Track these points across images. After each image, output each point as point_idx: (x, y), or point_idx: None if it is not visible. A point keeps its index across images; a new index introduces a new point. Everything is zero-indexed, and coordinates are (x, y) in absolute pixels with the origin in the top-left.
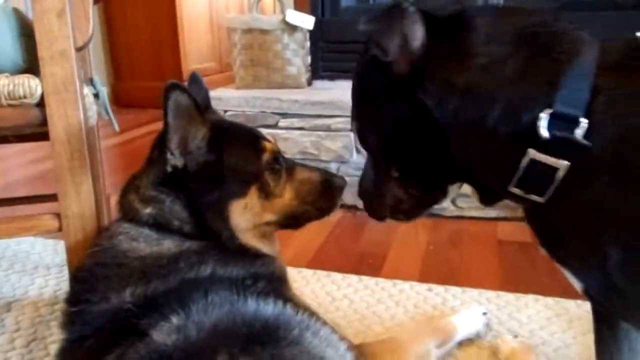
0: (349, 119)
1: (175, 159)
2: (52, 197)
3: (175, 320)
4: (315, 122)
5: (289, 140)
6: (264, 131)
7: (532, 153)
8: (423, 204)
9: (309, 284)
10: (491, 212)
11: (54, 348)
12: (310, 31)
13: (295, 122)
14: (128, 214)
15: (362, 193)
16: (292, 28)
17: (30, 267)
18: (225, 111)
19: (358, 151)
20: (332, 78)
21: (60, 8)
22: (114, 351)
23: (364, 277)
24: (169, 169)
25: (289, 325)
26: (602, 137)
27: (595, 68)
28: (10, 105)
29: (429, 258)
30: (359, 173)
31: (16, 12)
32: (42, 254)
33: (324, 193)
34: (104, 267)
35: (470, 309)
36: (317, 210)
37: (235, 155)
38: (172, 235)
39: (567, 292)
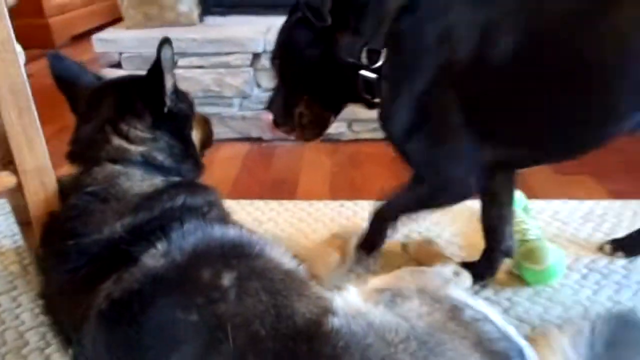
0: (247, 55)
1: (169, 103)
2: None
3: (160, 246)
4: (214, 59)
5: (191, 80)
6: None
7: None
8: (322, 120)
9: (235, 213)
10: (381, 134)
11: (3, 300)
12: None
13: (195, 60)
14: (113, 157)
15: (274, 111)
16: None
17: None
18: (121, 53)
19: (259, 86)
20: (223, 14)
21: None
22: (111, 277)
23: (283, 201)
24: (166, 110)
25: (250, 243)
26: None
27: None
28: None
29: (335, 178)
30: (260, 106)
31: None
32: None
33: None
34: (103, 202)
35: None
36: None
37: (185, 101)
38: (158, 172)
39: None
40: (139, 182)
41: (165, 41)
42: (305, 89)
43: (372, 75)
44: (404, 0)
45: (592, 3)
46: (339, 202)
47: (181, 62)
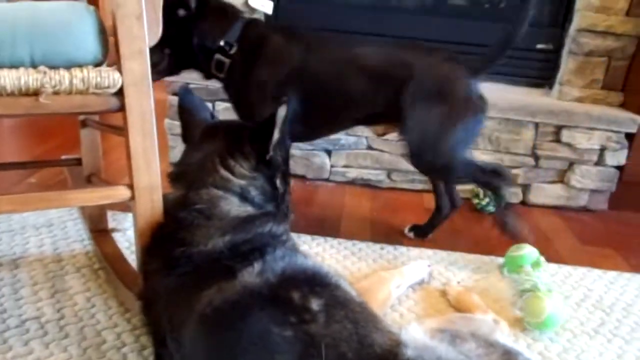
0: None
1: (272, 153)
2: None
3: (257, 266)
4: None
5: None
6: (227, 105)
7: (217, 56)
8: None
9: None
10: (418, 185)
11: (79, 299)
12: (267, 15)
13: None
14: (217, 184)
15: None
16: (252, 10)
17: (16, 227)
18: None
19: None
20: None
21: (139, 12)
22: (213, 286)
23: (328, 238)
24: (267, 157)
25: (327, 274)
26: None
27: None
28: (94, 94)
29: (374, 222)
30: (308, 148)
31: (96, 12)
32: (24, 215)
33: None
34: (208, 219)
35: (417, 262)
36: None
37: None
38: (249, 204)
39: (481, 249)
40: (236, 207)
41: (285, 101)
42: (170, 47)
43: (225, 59)
44: (251, 18)
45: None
46: (379, 245)
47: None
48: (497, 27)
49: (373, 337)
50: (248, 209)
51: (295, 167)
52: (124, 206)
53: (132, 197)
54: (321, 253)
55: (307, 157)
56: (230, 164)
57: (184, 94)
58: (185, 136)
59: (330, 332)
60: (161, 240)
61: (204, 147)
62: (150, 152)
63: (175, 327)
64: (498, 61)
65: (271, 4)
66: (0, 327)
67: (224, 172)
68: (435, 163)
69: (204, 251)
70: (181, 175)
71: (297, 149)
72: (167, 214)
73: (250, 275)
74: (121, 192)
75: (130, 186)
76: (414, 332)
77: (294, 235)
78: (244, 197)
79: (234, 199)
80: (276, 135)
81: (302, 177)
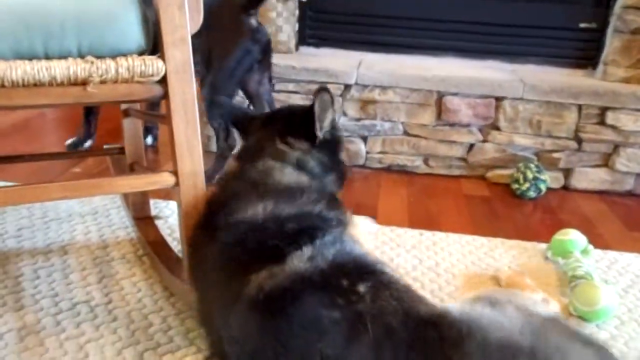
0: (339, 86)
1: (321, 136)
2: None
3: (306, 250)
4: (309, 87)
5: (285, 103)
6: None
7: None
8: None
9: None
10: (455, 171)
11: (125, 284)
12: (300, 1)
13: (290, 86)
14: (274, 156)
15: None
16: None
17: (63, 215)
18: None
19: (345, 115)
20: (317, 45)
21: (181, 2)
22: (261, 270)
23: None
24: (317, 142)
25: (374, 261)
26: None
27: None
28: (138, 82)
29: (412, 208)
30: (346, 134)
31: (139, 1)
32: (69, 203)
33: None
34: (253, 187)
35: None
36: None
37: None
38: (305, 173)
39: (522, 236)
40: (289, 176)
41: (320, 90)
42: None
43: None
44: None
45: None
46: (418, 231)
47: (278, 86)
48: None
49: (418, 308)
50: (302, 178)
51: None
52: (166, 194)
53: (177, 183)
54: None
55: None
56: (288, 140)
57: (225, 107)
58: (244, 134)
59: (376, 308)
60: (209, 211)
61: (263, 131)
62: (192, 139)
63: (225, 306)
64: None
65: None
66: (53, 310)
67: (281, 146)
68: None
69: (245, 220)
70: (242, 153)
71: None
72: (219, 186)
73: (300, 260)
74: (166, 178)
75: (175, 172)
76: (455, 304)
77: None
78: (299, 166)
79: (288, 169)
80: (327, 118)
81: None
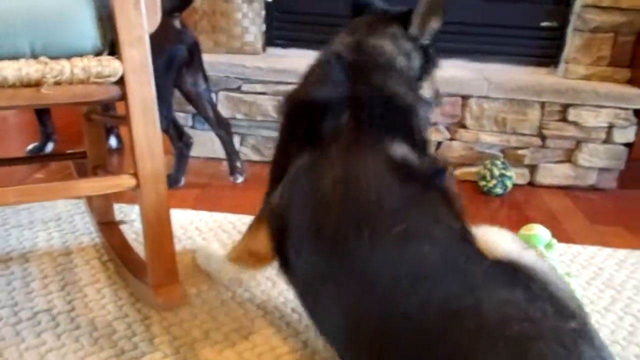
0: None
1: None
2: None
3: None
4: (276, 87)
5: (252, 104)
6: (228, 94)
7: None
8: None
9: None
10: None
11: (88, 291)
12: (266, 2)
13: (258, 87)
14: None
15: None
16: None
17: (25, 222)
18: None
19: None
20: (284, 46)
21: (137, 0)
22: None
23: None
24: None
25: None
26: None
27: None
28: (95, 83)
29: None
30: None
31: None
32: (31, 209)
33: None
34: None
35: None
36: None
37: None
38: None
39: None
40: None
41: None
42: None
43: None
44: None
45: None
46: None
47: (245, 87)
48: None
49: None
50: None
51: None
52: (130, 198)
53: (137, 185)
54: None
55: None
56: (395, 35)
57: None
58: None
59: None
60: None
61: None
62: (153, 140)
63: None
64: None
65: None
66: (12, 320)
67: (392, 29)
68: None
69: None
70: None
71: None
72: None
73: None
74: (126, 181)
75: (135, 175)
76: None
77: None
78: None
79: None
80: (433, 22)
81: None
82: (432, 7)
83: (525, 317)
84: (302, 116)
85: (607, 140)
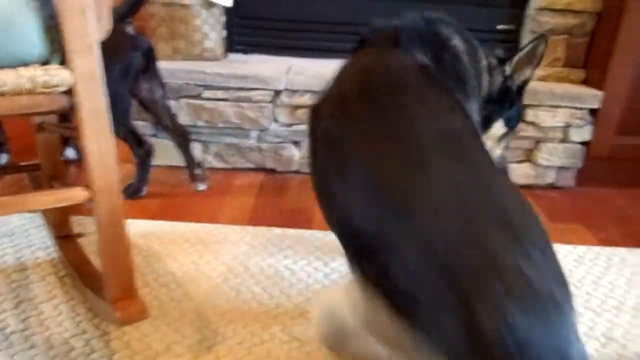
0: (269, 92)
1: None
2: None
3: None
4: (238, 94)
5: (214, 111)
6: (189, 101)
7: None
8: None
9: (254, 238)
10: None
11: (44, 308)
12: (225, 7)
13: (219, 93)
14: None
15: None
16: (210, 4)
17: None
18: None
19: (276, 120)
20: (245, 52)
21: (84, 7)
22: None
23: (300, 230)
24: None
25: None
26: None
27: None
28: (43, 93)
29: None
30: (277, 140)
31: (39, 6)
32: None
33: None
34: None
35: None
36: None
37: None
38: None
39: None
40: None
41: (542, 36)
42: None
43: None
44: None
45: None
46: None
47: (206, 94)
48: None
49: None
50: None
51: (264, 160)
52: (88, 210)
53: (91, 198)
54: (294, 245)
55: (275, 150)
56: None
57: None
58: None
59: None
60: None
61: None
62: (105, 151)
63: None
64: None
65: None
66: None
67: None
68: None
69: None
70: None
71: (265, 142)
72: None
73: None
74: (78, 194)
75: (88, 186)
76: None
77: (265, 230)
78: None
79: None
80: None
81: (272, 171)
82: (531, 56)
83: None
84: None
85: (565, 140)
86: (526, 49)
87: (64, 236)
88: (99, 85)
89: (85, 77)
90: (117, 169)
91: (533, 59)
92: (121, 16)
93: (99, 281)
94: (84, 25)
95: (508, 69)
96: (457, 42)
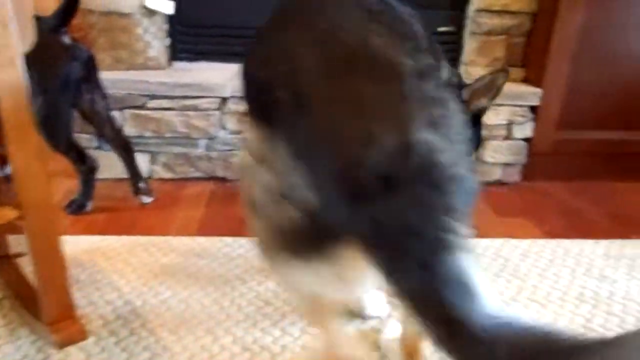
0: (215, 100)
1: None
2: None
3: None
4: (183, 102)
5: (160, 121)
6: (134, 112)
7: None
8: None
9: (204, 249)
10: None
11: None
12: (168, 15)
13: (164, 103)
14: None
15: None
16: (151, 12)
17: None
18: None
19: (224, 128)
20: (190, 60)
21: (5, 20)
22: None
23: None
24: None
25: None
26: None
27: None
28: None
29: None
30: (226, 148)
31: None
32: None
33: None
34: None
35: None
36: None
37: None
38: None
39: None
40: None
41: (502, 71)
42: None
43: None
44: None
45: None
46: None
47: (151, 103)
48: None
49: None
50: None
51: (214, 169)
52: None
53: (21, 217)
54: (244, 254)
55: (224, 158)
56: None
57: None
58: None
59: None
60: None
61: None
62: (34, 166)
63: None
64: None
65: (171, 4)
66: None
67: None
68: None
69: None
70: None
71: (214, 151)
72: None
73: None
74: (7, 213)
75: (17, 205)
76: None
77: (215, 240)
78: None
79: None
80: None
81: (222, 179)
82: (489, 88)
83: None
84: None
85: (508, 137)
86: (485, 80)
87: (1, 257)
88: (24, 98)
89: (9, 90)
90: (48, 186)
91: (491, 91)
92: (54, 26)
93: (37, 303)
94: (7, 37)
95: (465, 95)
96: None
